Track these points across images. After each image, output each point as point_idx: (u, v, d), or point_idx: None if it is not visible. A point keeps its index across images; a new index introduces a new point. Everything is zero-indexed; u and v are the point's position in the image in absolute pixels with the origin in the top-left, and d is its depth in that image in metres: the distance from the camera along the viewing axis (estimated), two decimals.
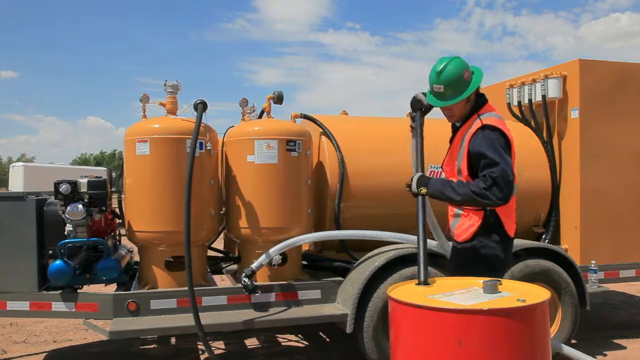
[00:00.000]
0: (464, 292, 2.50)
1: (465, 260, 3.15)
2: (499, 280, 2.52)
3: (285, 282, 4.29)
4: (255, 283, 4.07)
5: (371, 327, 4.10)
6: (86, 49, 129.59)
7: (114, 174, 5.24)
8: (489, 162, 2.91)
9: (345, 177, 4.60)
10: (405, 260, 4.22)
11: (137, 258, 4.84)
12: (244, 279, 4.00)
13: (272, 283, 4.27)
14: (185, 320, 3.90)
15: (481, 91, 3.23)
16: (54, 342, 5.40)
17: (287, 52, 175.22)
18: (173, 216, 4.07)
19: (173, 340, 5.36)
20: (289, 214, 4.34)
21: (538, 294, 2.40)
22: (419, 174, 3.15)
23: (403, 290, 2.58)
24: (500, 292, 2.45)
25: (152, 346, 5.23)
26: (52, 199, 4.17)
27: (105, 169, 32.51)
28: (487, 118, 3.07)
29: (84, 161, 59.35)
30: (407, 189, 3.15)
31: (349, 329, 4.06)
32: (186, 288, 4.03)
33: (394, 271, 4.18)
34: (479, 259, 3.10)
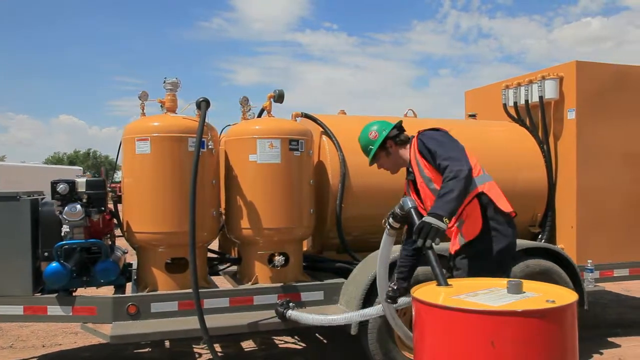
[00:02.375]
0: (487, 293, 2.47)
1: (478, 253, 3.16)
2: (520, 281, 2.50)
3: (287, 284, 4.23)
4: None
5: (376, 328, 4.05)
6: (60, 47, 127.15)
7: (88, 174, 5.10)
8: (435, 152, 3.11)
9: (347, 177, 4.55)
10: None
11: (128, 260, 4.73)
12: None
13: (275, 285, 4.21)
14: (188, 323, 3.82)
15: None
16: (43, 346, 5.24)
17: (264, 52, 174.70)
18: (174, 217, 3.99)
19: (167, 343, 5.24)
20: (291, 214, 4.28)
21: (563, 294, 2.39)
22: (427, 217, 2.81)
23: (425, 292, 2.53)
24: (525, 292, 2.44)
25: (146, 350, 5.11)
26: (47, 198, 4.05)
27: (80, 168, 31.94)
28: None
29: (57, 160, 58.15)
30: (426, 238, 2.76)
31: (354, 330, 4.00)
32: (187, 290, 3.99)
33: None
34: (486, 248, 3.13)
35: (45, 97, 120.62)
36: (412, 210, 2.89)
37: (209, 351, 4.88)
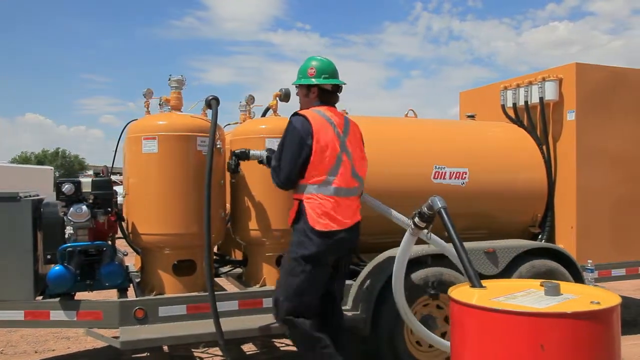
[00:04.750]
0: (525, 295, 2.46)
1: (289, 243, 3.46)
2: (558, 283, 2.49)
3: None
4: None
5: (387, 330, 4.02)
6: (26, 44, 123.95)
7: (57, 174, 4.95)
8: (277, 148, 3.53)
9: None
10: (420, 262, 4.16)
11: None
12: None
13: None
14: (198, 327, 3.71)
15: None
16: (36, 352, 5.05)
17: (237, 52, 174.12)
18: (182, 218, 3.89)
19: (166, 347, 5.11)
20: None
21: (602, 295, 2.39)
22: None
23: (460, 293, 2.51)
24: (563, 294, 2.43)
25: (144, 354, 4.97)
26: (47, 199, 3.90)
27: (51, 168, 31.06)
28: (305, 110, 3.49)
29: (24, 160, 56.52)
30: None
31: (366, 332, 3.96)
32: (196, 294, 3.91)
33: (409, 273, 4.11)
34: (294, 245, 3.38)
35: (11, 95, 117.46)
36: (443, 210, 2.86)
37: (210, 356, 4.84)
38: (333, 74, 3.55)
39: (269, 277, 4.21)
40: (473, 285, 2.64)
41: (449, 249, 3.22)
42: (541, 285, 2.58)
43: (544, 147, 5.33)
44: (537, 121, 5.42)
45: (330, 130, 3.40)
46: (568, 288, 2.53)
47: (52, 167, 30.64)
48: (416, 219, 3.00)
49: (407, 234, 3.09)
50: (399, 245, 4.34)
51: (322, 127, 3.37)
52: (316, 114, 3.43)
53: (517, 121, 5.61)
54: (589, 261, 5.01)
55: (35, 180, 20.47)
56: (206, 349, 5.00)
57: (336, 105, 5.56)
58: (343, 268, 3.59)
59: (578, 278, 4.74)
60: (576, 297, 2.35)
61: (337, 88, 3.60)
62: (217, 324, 3.49)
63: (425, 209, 2.95)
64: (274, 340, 5.29)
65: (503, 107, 5.73)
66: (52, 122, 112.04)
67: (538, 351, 2.08)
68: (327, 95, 3.56)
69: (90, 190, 3.72)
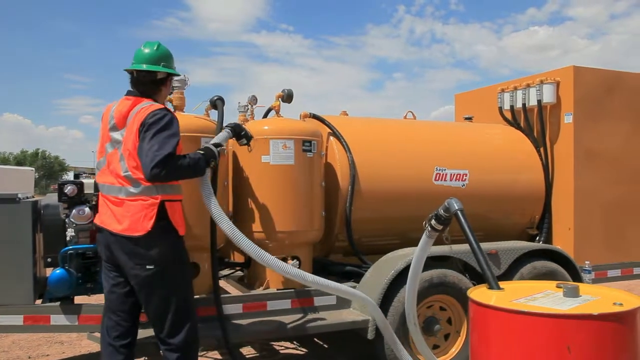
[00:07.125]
0: (544, 296, 2.46)
1: None
2: (577, 284, 2.49)
3: (300, 289, 4.12)
4: None
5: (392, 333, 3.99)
6: (4, 42, 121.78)
7: (36, 175, 4.85)
8: None
9: (356, 179, 4.48)
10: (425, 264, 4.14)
11: None
12: None
13: (288, 290, 4.09)
14: (203, 330, 3.64)
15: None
16: (29, 358, 4.92)
17: (219, 53, 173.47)
18: (187, 220, 3.81)
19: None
20: (304, 217, 4.18)
21: (623, 297, 2.40)
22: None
23: (481, 295, 2.50)
24: (582, 295, 2.43)
25: (142, 358, 4.88)
26: (47, 200, 3.82)
27: (32, 169, 30.52)
28: None
29: (3, 161, 55.47)
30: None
31: (370, 335, 3.94)
32: (198, 296, 3.82)
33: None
34: None
35: None
36: (460, 212, 2.84)
37: (209, 359, 4.78)
38: (138, 59, 3.24)
39: (272, 279, 4.16)
40: (491, 287, 2.62)
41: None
42: (557, 286, 2.58)
43: (542, 150, 5.38)
44: (534, 123, 5.46)
45: (105, 120, 3.21)
46: (585, 289, 2.53)
47: (33, 169, 30.11)
48: (432, 222, 2.96)
49: (423, 236, 3.05)
50: (401, 248, 4.40)
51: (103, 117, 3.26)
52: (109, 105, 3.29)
53: (514, 123, 5.65)
54: (586, 262, 5.06)
55: (16, 181, 20.12)
56: (205, 352, 4.93)
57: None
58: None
59: (577, 279, 4.77)
60: (597, 299, 2.35)
61: (147, 76, 3.23)
62: (224, 327, 3.44)
63: (442, 211, 2.91)
64: (272, 343, 5.24)
65: (500, 109, 5.77)
66: (30, 122, 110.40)
67: (563, 353, 2.07)
68: (132, 82, 3.29)
69: (92, 192, 3.64)
